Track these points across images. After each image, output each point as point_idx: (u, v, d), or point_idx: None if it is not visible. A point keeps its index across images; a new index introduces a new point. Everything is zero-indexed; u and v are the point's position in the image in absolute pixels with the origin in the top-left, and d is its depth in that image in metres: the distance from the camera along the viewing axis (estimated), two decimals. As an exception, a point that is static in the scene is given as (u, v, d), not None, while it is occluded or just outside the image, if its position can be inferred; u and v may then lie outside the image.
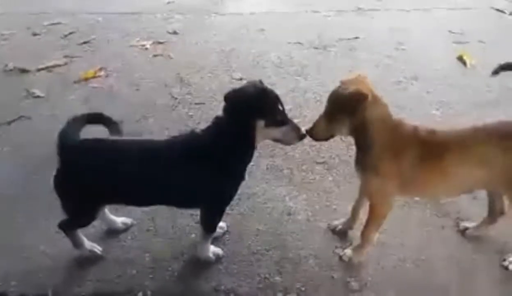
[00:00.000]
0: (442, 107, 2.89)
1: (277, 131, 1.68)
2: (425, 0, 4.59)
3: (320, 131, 1.72)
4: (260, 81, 1.71)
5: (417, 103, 2.92)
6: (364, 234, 1.84)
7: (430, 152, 1.63)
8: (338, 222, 2.02)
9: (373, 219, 1.79)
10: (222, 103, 1.67)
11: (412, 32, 3.84)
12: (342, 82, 1.67)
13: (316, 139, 1.77)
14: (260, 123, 1.63)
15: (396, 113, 2.57)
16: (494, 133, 1.64)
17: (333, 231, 2.02)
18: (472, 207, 2.10)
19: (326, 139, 1.77)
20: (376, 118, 1.63)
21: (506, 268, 1.85)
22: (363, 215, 1.90)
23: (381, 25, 3.97)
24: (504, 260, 1.88)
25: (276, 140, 1.73)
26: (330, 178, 2.34)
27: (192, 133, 1.72)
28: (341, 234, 2.00)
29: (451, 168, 1.64)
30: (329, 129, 1.70)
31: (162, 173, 1.64)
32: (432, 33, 3.84)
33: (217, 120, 1.68)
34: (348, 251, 1.89)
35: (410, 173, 1.66)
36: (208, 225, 1.82)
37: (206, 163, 1.64)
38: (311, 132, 1.73)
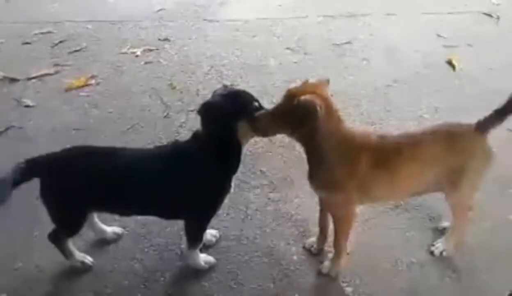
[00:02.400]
0: (431, 111, 2.92)
1: None
2: (413, 5, 4.63)
3: (263, 127, 1.63)
4: (225, 85, 1.72)
5: (406, 107, 2.94)
6: (336, 246, 1.82)
7: (382, 157, 1.63)
8: (311, 242, 1.97)
9: (340, 231, 1.78)
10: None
11: (401, 36, 3.87)
12: (302, 84, 1.61)
13: (256, 133, 1.67)
14: (241, 124, 1.62)
15: (386, 117, 2.60)
16: (439, 135, 1.69)
17: (310, 251, 1.95)
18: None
19: (267, 136, 1.74)
20: (329, 132, 1.56)
21: (432, 253, 1.92)
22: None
23: (371, 30, 3.99)
24: (433, 245, 1.93)
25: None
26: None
27: (176, 143, 1.72)
28: (320, 253, 1.95)
29: (402, 170, 1.66)
30: (273, 127, 1.63)
31: (146, 182, 1.63)
32: (421, 37, 3.87)
33: (198, 132, 1.67)
34: (326, 263, 1.87)
35: (365, 181, 1.64)
36: (193, 236, 1.80)
37: (192, 174, 1.63)
38: (254, 125, 1.62)
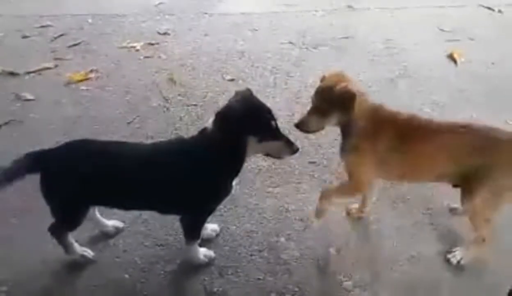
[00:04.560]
0: (432, 105, 2.91)
1: (269, 147, 1.67)
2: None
3: (312, 125, 1.78)
4: (249, 90, 1.70)
5: (408, 101, 2.93)
6: (325, 193, 1.92)
7: (406, 136, 1.70)
8: (353, 207, 2.10)
9: (344, 188, 1.90)
10: (214, 105, 1.67)
11: (402, 30, 3.85)
12: (326, 78, 1.77)
13: (307, 131, 1.85)
14: (253, 139, 1.62)
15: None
16: (469, 132, 1.68)
17: (348, 214, 2.10)
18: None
19: (317, 131, 1.84)
20: (360, 109, 1.71)
21: (448, 260, 1.88)
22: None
23: (371, 24, 3.97)
24: (450, 252, 1.89)
25: (267, 154, 1.73)
26: (323, 177, 2.35)
27: (180, 140, 1.71)
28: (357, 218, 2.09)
29: (423, 153, 1.71)
30: (320, 122, 1.77)
31: (147, 177, 1.62)
32: (422, 31, 3.85)
33: (207, 132, 1.65)
34: (311, 213, 1.99)
35: (386, 154, 1.73)
36: (190, 232, 1.80)
37: (193, 172, 1.62)
38: (301, 126, 1.79)
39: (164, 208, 1.78)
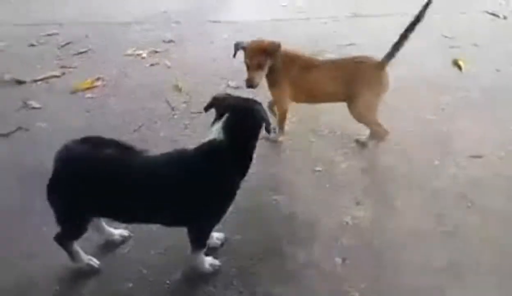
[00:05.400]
0: (437, 112, 2.90)
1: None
2: (418, 5, 4.61)
3: (257, 78, 2.37)
4: (247, 99, 1.75)
5: (412, 108, 2.93)
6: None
7: (305, 69, 2.43)
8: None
9: (279, 114, 2.62)
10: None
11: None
12: (251, 43, 2.39)
13: (255, 86, 2.40)
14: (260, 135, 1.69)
15: (390, 119, 2.60)
16: (342, 63, 2.45)
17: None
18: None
19: (259, 83, 2.40)
20: (280, 55, 2.37)
21: (357, 141, 2.62)
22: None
23: (376, 31, 3.98)
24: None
25: None
26: (327, 185, 2.34)
27: (189, 150, 1.69)
28: None
29: (316, 79, 2.43)
30: (261, 74, 2.38)
31: (153, 189, 1.61)
32: (425, 38, 3.84)
33: (215, 142, 1.64)
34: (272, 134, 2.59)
35: (296, 83, 2.46)
36: (196, 241, 1.79)
37: (203, 183, 1.62)
38: (251, 82, 2.38)
39: (172, 221, 1.76)
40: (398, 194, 2.27)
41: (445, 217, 2.12)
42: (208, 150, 1.65)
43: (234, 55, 2.47)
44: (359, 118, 2.47)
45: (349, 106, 2.45)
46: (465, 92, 3.12)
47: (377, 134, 2.53)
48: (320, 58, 2.54)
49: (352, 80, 2.37)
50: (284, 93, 2.50)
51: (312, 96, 2.53)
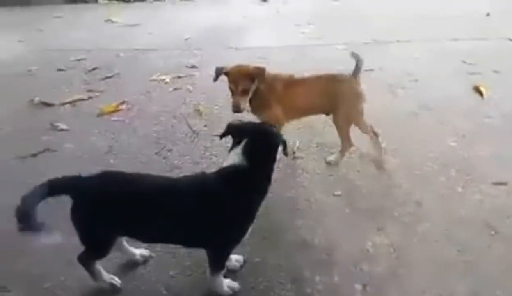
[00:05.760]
0: (458, 139, 2.88)
1: None
2: (437, 32, 4.64)
3: (242, 103, 2.40)
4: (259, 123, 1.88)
5: (433, 134, 2.92)
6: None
7: (288, 87, 2.51)
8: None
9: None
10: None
11: (424, 63, 3.88)
12: (232, 69, 2.41)
13: (241, 111, 2.42)
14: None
15: (411, 145, 2.60)
16: (321, 80, 2.53)
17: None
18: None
19: (245, 109, 2.43)
20: (266, 79, 2.43)
21: (325, 160, 2.71)
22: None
23: (394, 56, 4.02)
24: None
25: None
26: (347, 210, 2.34)
27: (209, 175, 1.74)
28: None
29: (302, 96, 2.52)
30: (245, 99, 2.41)
31: (175, 212, 1.65)
32: (445, 64, 3.87)
33: (235, 166, 1.69)
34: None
35: (282, 102, 2.50)
36: (215, 263, 1.81)
37: (224, 205, 1.65)
38: (236, 108, 2.40)
39: (192, 242, 1.79)
40: (420, 221, 2.23)
41: (468, 245, 2.08)
42: (229, 174, 1.69)
43: (215, 80, 2.51)
44: (340, 129, 2.60)
45: (333, 119, 2.59)
46: (486, 118, 3.09)
47: (344, 146, 2.65)
48: (298, 75, 2.60)
49: (332, 94, 2.50)
50: (277, 111, 2.54)
51: (300, 110, 2.62)
